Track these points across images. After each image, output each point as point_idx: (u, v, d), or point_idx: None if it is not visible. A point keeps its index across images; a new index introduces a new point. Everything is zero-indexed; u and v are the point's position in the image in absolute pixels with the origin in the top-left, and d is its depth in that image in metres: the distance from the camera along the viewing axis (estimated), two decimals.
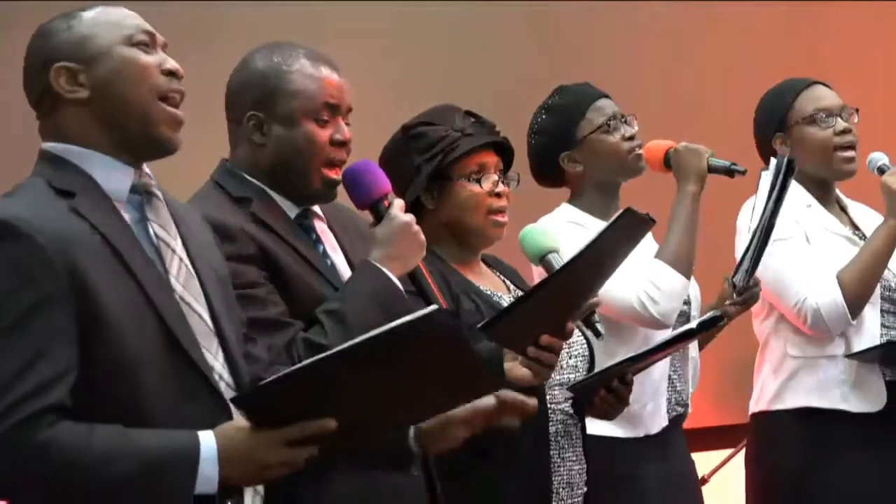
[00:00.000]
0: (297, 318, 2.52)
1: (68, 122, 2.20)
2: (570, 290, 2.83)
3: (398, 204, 2.62)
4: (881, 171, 3.55)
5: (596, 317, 2.87)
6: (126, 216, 2.19)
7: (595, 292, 2.91)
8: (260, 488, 2.26)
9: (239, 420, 2.12)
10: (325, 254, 2.66)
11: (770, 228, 3.33)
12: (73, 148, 2.19)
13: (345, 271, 2.65)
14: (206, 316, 2.23)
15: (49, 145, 2.21)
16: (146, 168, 2.24)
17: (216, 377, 2.20)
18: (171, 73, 2.22)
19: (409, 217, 2.61)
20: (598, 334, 2.89)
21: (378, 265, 2.56)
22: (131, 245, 2.17)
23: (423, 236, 2.62)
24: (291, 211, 2.64)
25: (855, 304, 3.47)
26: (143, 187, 2.22)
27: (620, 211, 2.82)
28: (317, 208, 2.70)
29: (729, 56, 5.06)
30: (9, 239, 2.07)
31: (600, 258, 2.83)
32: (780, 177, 3.31)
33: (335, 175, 2.63)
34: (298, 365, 2.12)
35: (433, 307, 2.08)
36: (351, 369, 2.07)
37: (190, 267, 2.24)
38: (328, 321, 2.50)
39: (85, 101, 2.18)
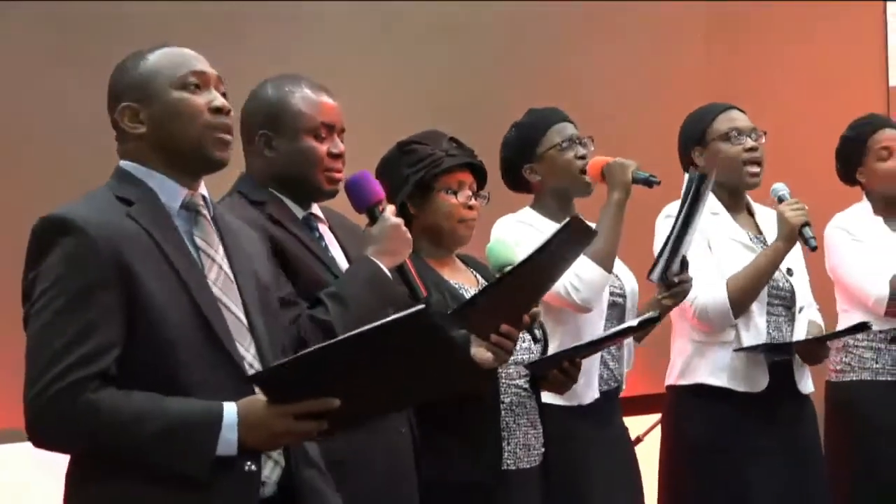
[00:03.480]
0: (302, 300, 2.75)
1: (134, 150, 2.40)
2: (524, 286, 3.05)
3: (390, 209, 2.87)
4: (780, 199, 3.82)
5: (536, 324, 3.12)
6: (177, 226, 2.37)
7: (547, 289, 3.20)
8: (281, 460, 2.38)
9: (258, 395, 2.25)
10: (326, 248, 2.91)
11: (683, 232, 3.57)
12: (139, 167, 2.38)
13: (343, 264, 2.89)
14: (242, 315, 2.38)
15: (122, 163, 2.41)
16: (203, 190, 2.43)
17: (247, 366, 2.34)
18: (218, 110, 2.38)
19: (399, 220, 2.86)
20: (535, 340, 3.16)
21: (372, 258, 2.80)
22: (176, 247, 2.33)
23: (409, 235, 2.86)
24: (299, 213, 2.89)
25: (738, 307, 3.74)
26: (192, 206, 2.40)
27: (567, 218, 3.07)
28: (320, 213, 2.94)
29: (659, 86, 5.30)
30: (66, 233, 2.25)
31: (550, 259, 3.05)
32: (693, 189, 3.54)
33: (336, 175, 2.88)
34: (304, 351, 2.26)
35: (419, 307, 2.20)
36: (350, 356, 2.21)
37: (229, 274, 2.40)
38: (330, 301, 2.73)
39: (144, 135, 2.38)
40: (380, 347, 2.21)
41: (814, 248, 3.79)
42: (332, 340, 2.23)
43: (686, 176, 3.67)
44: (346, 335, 2.21)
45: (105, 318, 2.24)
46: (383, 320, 2.20)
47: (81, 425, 2.21)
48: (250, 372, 2.33)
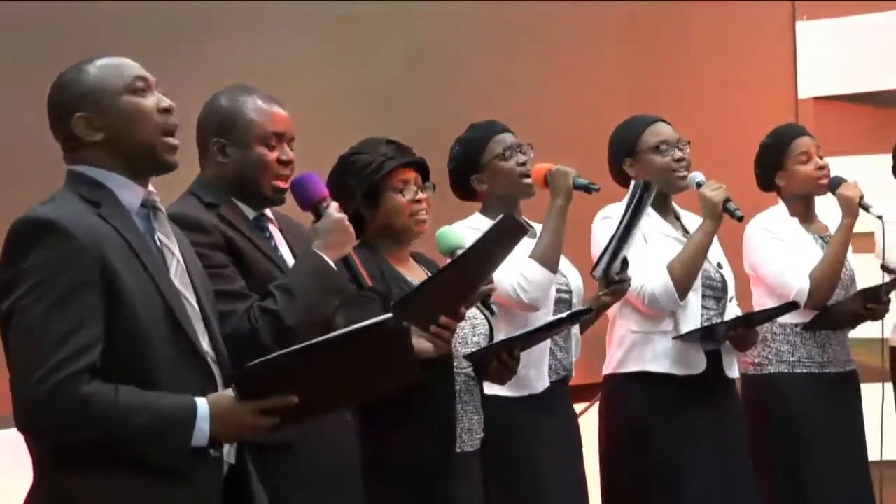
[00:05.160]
0: (253, 292, 2.86)
1: (90, 156, 2.47)
2: (462, 279, 3.19)
3: (334, 205, 2.97)
4: (699, 185, 4.05)
5: (491, 299, 3.32)
6: (138, 224, 2.47)
7: (483, 282, 3.28)
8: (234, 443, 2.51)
9: (226, 391, 2.39)
10: (276, 248, 3.02)
11: (626, 234, 3.76)
12: (97, 170, 2.46)
13: (290, 261, 2.99)
14: (195, 303, 2.50)
15: (77, 167, 2.47)
16: (151, 187, 2.52)
17: (203, 350, 2.48)
18: (166, 111, 2.49)
19: (342, 215, 2.95)
20: (493, 313, 3.36)
21: (318, 251, 2.89)
22: (144, 245, 2.43)
23: (352, 230, 2.96)
24: (250, 214, 3.01)
25: (681, 287, 3.94)
26: (150, 203, 2.50)
27: (501, 215, 3.25)
28: (270, 214, 3.05)
29: (582, 96, 5.44)
30: (53, 234, 2.32)
31: (487, 252, 3.19)
32: (637, 195, 3.76)
33: (283, 185, 2.99)
34: (278, 353, 2.38)
35: (387, 315, 2.36)
36: (318, 359, 2.36)
37: (183, 265, 2.51)
38: (279, 293, 2.84)
39: (101, 142, 2.45)
40: (347, 350, 2.36)
41: (740, 219, 4.01)
42: (305, 344, 2.35)
43: (632, 183, 3.87)
44: (318, 340, 2.34)
45: (91, 315, 2.32)
46: (355, 326, 2.34)
47: (76, 416, 2.29)
48: (207, 356, 2.47)
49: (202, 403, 2.37)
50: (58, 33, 4.03)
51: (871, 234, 4.52)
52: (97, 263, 2.34)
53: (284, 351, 2.37)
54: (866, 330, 4.49)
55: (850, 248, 4.51)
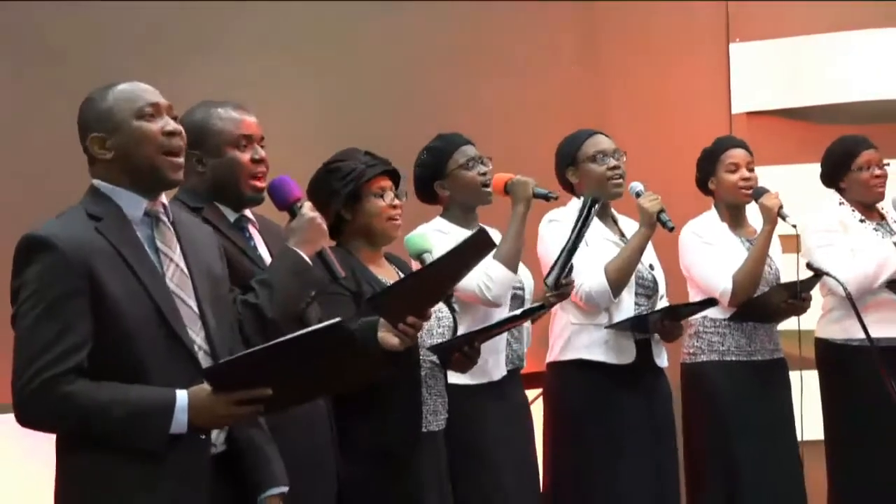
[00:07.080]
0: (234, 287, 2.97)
1: (103, 172, 2.70)
2: (433, 282, 3.34)
3: (307, 205, 3.13)
4: (638, 195, 4.30)
5: (453, 299, 3.60)
6: (140, 233, 2.67)
7: (449, 289, 3.53)
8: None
9: (205, 384, 2.57)
10: (255, 247, 3.19)
11: (576, 245, 4.02)
12: (107, 185, 2.69)
13: (268, 260, 3.16)
14: (194, 305, 2.67)
15: (94, 181, 2.71)
16: (163, 199, 2.73)
17: (196, 349, 2.64)
18: (170, 134, 2.69)
19: (315, 214, 3.11)
20: (452, 311, 3.62)
21: (294, 248, 3.06)
22: (137, 253, 2.63)
23: (325, 227, 3.12)
24: (231, 216, 3.18)
25: (616, 287, 4.20)
26: (153, 213, 2.70)
27: (475, 230, 3.47)
28: (251, 216, 3.22)
29: (537, 111, 5.72)
30: (43, 250, 2.56)
31: (457, 261, 3.34)
32: (587, 209, 4.01)
33: (260, 184, 3.16)
34: (240, 353, 2.56)
35: (335, 320, 2.49)
36: (279, 356, 2.52)
37: (185, 270, 2.69)
38: (259, 287, 3.02)
39: (111, 159, 2.68)
40: (303, 350, 2.52)
41: (671, 229, 4.27)
42: (263, 346, 2.54)
43: (581, 198, 4.10)
44: (273, 342, 2.53)
45: (77, 321, 2.54)
46: (305, 330, 2.52)
47: (59, 412, 2.52)
48: (199, 353, 2.66)
49: (182, 395, 2.55)
50: (53, 54, 4.24)
51: (797, 237, 4.77)
52: (83, 274, 2.55)
53: (245, 352, 2.57)
54: (792, 323, 4.72)
55: (779, 248, 4.79)
